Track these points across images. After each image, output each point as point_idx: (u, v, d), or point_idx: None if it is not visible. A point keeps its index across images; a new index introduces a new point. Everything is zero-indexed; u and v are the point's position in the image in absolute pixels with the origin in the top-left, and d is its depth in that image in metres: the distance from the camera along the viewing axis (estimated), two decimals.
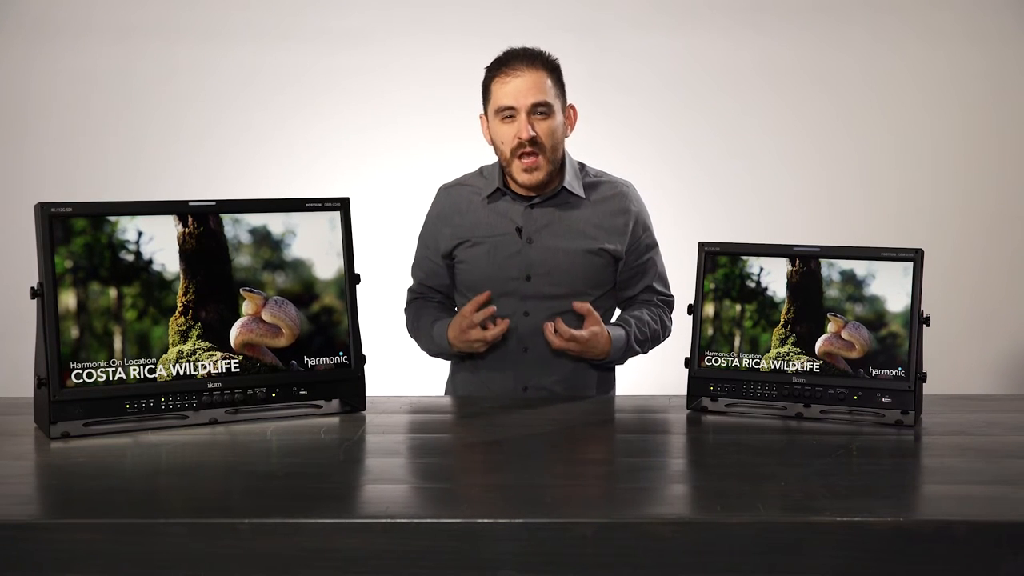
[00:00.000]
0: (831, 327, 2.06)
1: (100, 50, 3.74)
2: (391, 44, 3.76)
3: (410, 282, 2.57)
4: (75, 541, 1.44)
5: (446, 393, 2.57)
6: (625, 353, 2.42)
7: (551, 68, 2.37)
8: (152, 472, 1.72)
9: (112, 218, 1.93)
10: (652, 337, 2.46)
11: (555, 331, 2.29)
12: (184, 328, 1.97)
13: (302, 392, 2.06)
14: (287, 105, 3.77)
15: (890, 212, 3.76)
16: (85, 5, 3.74)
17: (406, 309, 2.57)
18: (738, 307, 2.13)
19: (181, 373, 1.96)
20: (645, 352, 2.48)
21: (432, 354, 2.50)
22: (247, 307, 2.01)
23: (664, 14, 3.76)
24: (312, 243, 2.07)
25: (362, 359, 2.11)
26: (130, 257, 1.94)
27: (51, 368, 1.87)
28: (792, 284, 2.09)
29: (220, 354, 1.99)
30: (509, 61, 2.35)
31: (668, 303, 2.52)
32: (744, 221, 3.74)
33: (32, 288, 1.89)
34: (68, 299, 1.89)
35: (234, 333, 2.00)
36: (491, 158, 2.53)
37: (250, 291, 2.01)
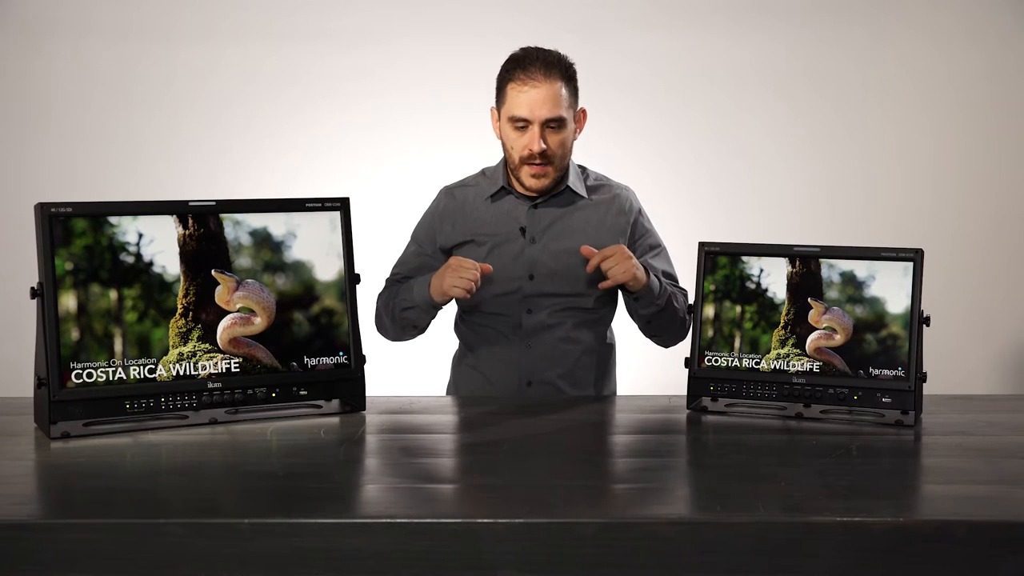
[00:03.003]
0: (812, 313, 2.07)
1: (100, 50, 3.74)
2: (391, 44, 3.76)
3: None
4: (75, 541, 1.44)
5: (448, 389, 2.58)
6: (660, 285, 2.34)
7: (568, 77, 2.35)
8: (152, 472, 1.72)
9: (113, 220, 1.93)
10: (674, 297, 2.38)
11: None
12: (184, 330, 1.97)
13: (302, 392, 2.06)
14: (287, 105, 3.77)
15: (890, 212, 3.76)
16: (85, 5, 3.74)
17: (380, 293, 2.51)
18: (738, 308, 2.13)
19: (181, 373, 1.96)
20: (678, 311, 2.37)
21: (400, 313, 2.42)
22: (220, 291, 1.99)
23: (664, 14, 3.76)
24: (312, 245, 2.07)
25: (362, 359, 2.11)
26: (130, 259, 1.94)
27: (51, 368, 1.87)
28: (792, 285, 2.09)
29: (220, 356, 1.99)
30: (527, 66, 2.32)
31: (683, 292, 2.46)
32: (744, 221, 3.74)
33: (32, 288, 1.89)
34: (68, 301, 1.89)
35: (219, 331, 1.99)
36: (492, 159, 2.53)
37: (222, 273, 2.00)
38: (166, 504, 1.57)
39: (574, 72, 2.39)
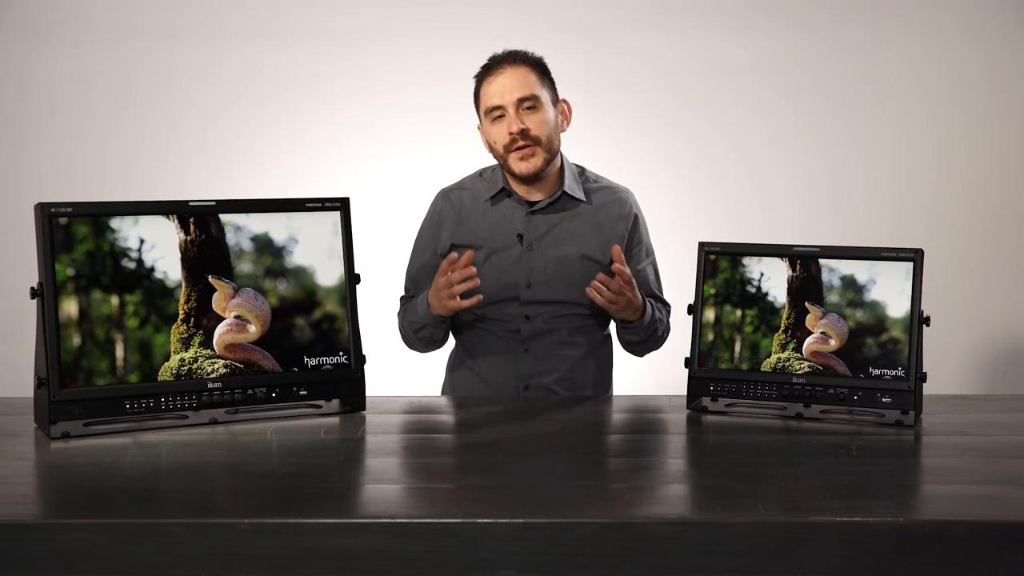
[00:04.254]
0: (808, 318, 2.07)
1: (100, 50, 3.74)
2: (391, 44, 3.76)
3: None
4: (75, 541, 1.44)
5: (443, 390, 2.57)
6: (651, 314, 2.39)
7: (534, 64, 2.40)
8: (152, 472, 1.72)
9: (114, 226, 1.92)
10: (659, 323, 2.45)
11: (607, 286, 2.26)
12: (186, 336, 1.96)
13: (302, 392, 2.06)
14: (287, 105, 3.77)
15: (890, 212, 3.76)
16: (85, 5, 3.73)
17: (398, 312, 2.56)
18: (738, 312, 2.12)
19: (181, 374, 1.96)
20: (659, 335, 2.47)
21: (415, 334, 2.45)
22: (217, 297, 1.99)
23: (663, 14, 3.76)
24: (314, 250, 2.07)
25: (362, 359, 2.11)
26: (132, 265, 1.94)
27: (51, 368, 1.87)
28: (792, 289, 2.09)
29: (222, 362, 1.98)
30: (493, 63, 2.39)
31: (666, 308, 2.53)
32: (744, 221, 3.73)
33: (32, 288, 1.89)
34: (70, 307, 1.89)
35: (215, 335, 1.99)
36: (491, 159, 2.53)
37: (219, 279, 2.00)
38: (166, 504, 1.57)
39: (542, 62, 2.42)
